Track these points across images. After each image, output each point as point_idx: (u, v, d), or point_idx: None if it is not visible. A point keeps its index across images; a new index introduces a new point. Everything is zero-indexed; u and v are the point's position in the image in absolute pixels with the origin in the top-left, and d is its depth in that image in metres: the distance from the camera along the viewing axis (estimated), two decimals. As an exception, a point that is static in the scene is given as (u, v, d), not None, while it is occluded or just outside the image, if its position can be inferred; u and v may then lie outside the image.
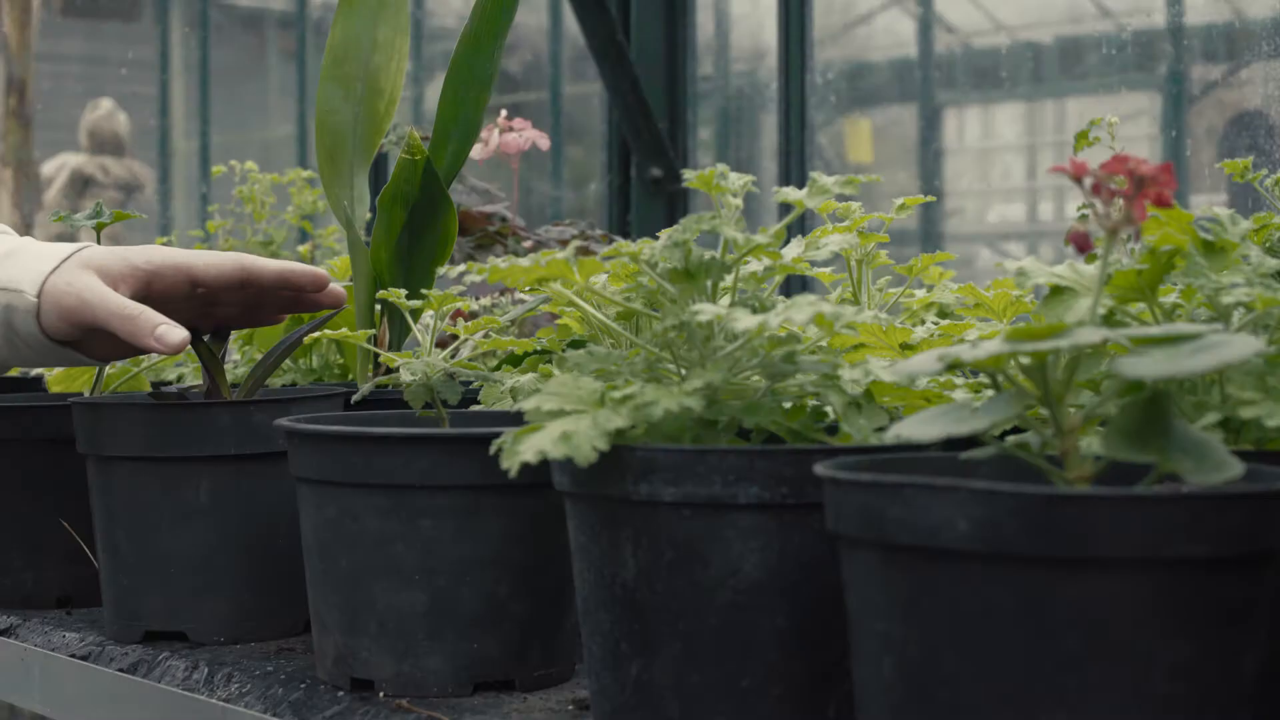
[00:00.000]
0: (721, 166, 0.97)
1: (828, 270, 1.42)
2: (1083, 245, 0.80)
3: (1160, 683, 0.73)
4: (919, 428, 0.77)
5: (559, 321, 1.42)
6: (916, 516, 0.73)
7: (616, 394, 0.90)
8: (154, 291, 1.25)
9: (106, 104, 5.81)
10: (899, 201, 1.37)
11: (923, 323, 1.34)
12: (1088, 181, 0.80)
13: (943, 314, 1.36)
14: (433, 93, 5.43)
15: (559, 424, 0.89)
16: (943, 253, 1.39)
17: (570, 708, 1.05)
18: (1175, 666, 0.73)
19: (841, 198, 1.10)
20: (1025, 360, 0.79)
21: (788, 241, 1.05)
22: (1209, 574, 0.73)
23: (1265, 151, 3.15)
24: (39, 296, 1.23)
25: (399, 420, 1.18)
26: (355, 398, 1.21)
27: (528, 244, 1.76)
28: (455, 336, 1.43)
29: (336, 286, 1.30)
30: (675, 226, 0.95)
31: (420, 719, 1.02)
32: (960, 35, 4.64)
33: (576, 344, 1.32)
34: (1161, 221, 0.97)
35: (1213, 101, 3.96)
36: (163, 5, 5.91)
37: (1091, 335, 0.76)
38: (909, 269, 1.40)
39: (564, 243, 1.78)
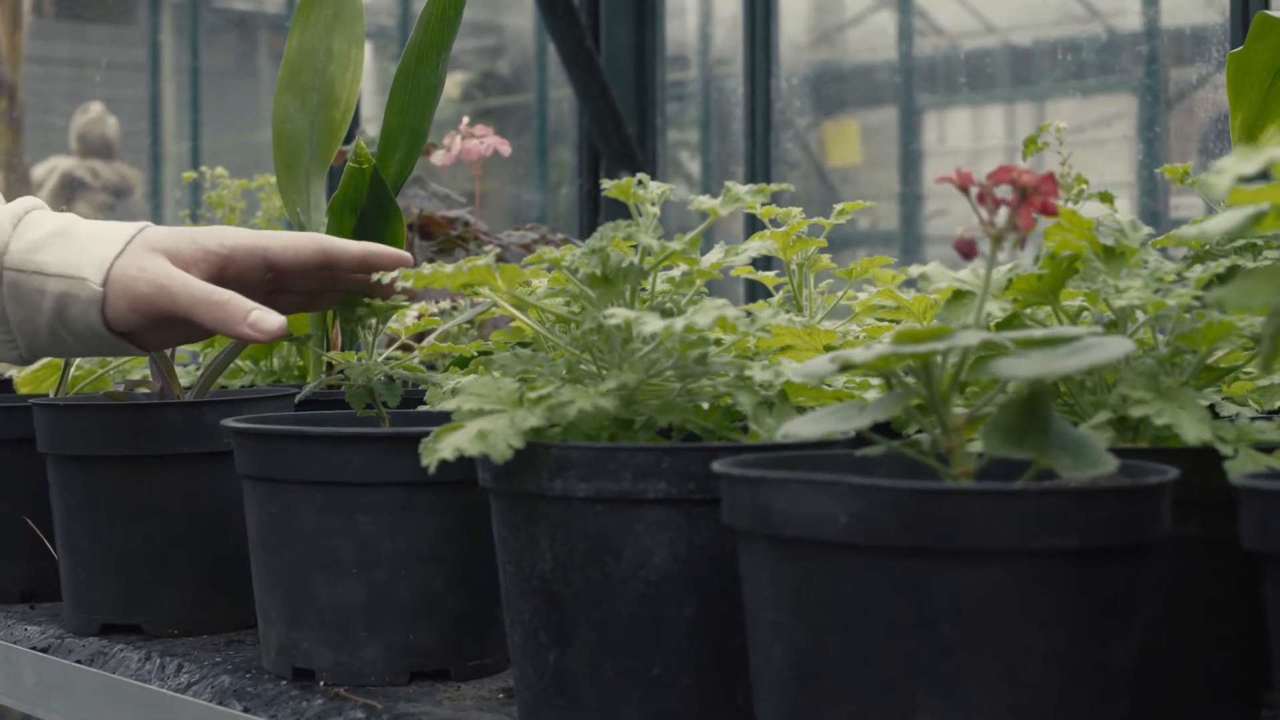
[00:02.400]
0: (642, 176, 1.01)
1: (771, 274, 1.46)
2: (968, 253, 0.84)
3: (1033, 669, 0.77)
4: (806, 426, 0.81)
5: (513, 324, 1.46)
6: (800, 510, 0.77)
7: (533, 394, 0.94)
8: (227, 276, 1.16)
9: (96, 108, 5.86)
10: (838, 206, 1.41)
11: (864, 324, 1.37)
12: (974, 191, 0.84)
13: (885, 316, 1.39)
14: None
15: (477, 423, 0.93)
16: (881, 256, 1.43)
17: (500, 696, 1.09)
18: (1048, 653, 0.77)
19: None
20: (911, 362, 0.82)
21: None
22: (1080, 565, 0.77)
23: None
24: (105, 285, 1.12)
25: (343, 420, 1.22)
26: (299, 398, 1.25)
27: (489, 248, 1.79)
28: (418, 336, 1.48)
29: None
30: (594, 234, 0.98)
31: (355, 706, 1.06)
32: (949, 37, 4.68)
33: (523, 345, 1.36)
34: (1064, 227, 1.01)
35: (1197, 102, 3.99)
36: (154, 8, 5.95)
37: (971, 338, 0.80)
38: (849, 272, 1.44)
39: (525, 246, 1.82)
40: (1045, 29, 4.30)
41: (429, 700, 1.08)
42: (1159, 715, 0.95)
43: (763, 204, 1.08)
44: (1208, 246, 1.23)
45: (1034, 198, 0.84)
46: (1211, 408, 1.13)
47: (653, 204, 1.00)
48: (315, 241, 1.17)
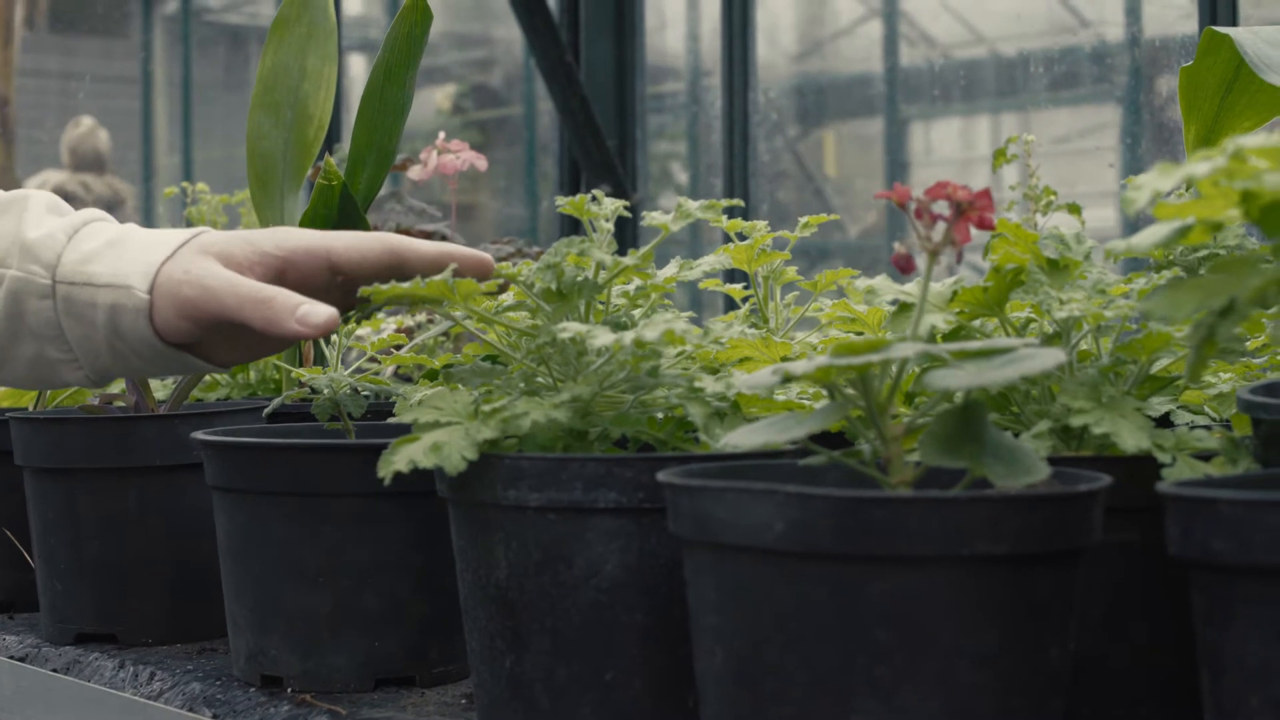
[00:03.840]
0: (596, 192, 1.03)
1: (738, 287, 1.48)
2: (905, 267, 0.87)
3: (966, 672, 0.79)
4: (745, 437, 0.83)
5: (488, 337, 1.48)
6: (739, 519, 0.79)
7: (488, 407, 0.96)
8: (288, 281, 1.07)
9: (87, 121, 5.89)
10: (802, 220, 1.43)
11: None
12: (911, 206, 0.86)
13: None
14: (414, 108, 5.51)
15: (432, 435, 0.95)
16: (845, 269, 1.45)
17: (463, 701, 1.11)
18: (981, 657, 0.79)
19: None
20: (850, 374, 0.85)
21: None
22: (1012, 570, 0.79)
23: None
24: (151, 292, 1.04)
25: (311, 432, 1.24)
26: (267, 411, 1.28)
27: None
28: (395, 348, 1.50)
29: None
30: (549, 250, 1.01)
31: (320, 712, 1.08)
32: (940, 48, 4.71)
33: (490, 359, 1.38)
34: (1009, 240, 1.03)
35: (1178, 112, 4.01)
36: (146, 21, 5.98)
37: (906, 350, 0.82)
38: (814, 284, 1.46)
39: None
40: (1033, 39, 4.33)
41: (393, 706, 1.10)
42: (1105, 717, 0.97)
43: (729, 218, 1.10)
44: (1170, 256, 1.26)
45: (970, 213, 0.87)
46: (1166, 416, 1.15)
47: (606, 220, 1.03)
48: (383, 242, 1.08)
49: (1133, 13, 3.85)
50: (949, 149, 4.99)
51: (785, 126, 4.38)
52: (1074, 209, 1.41)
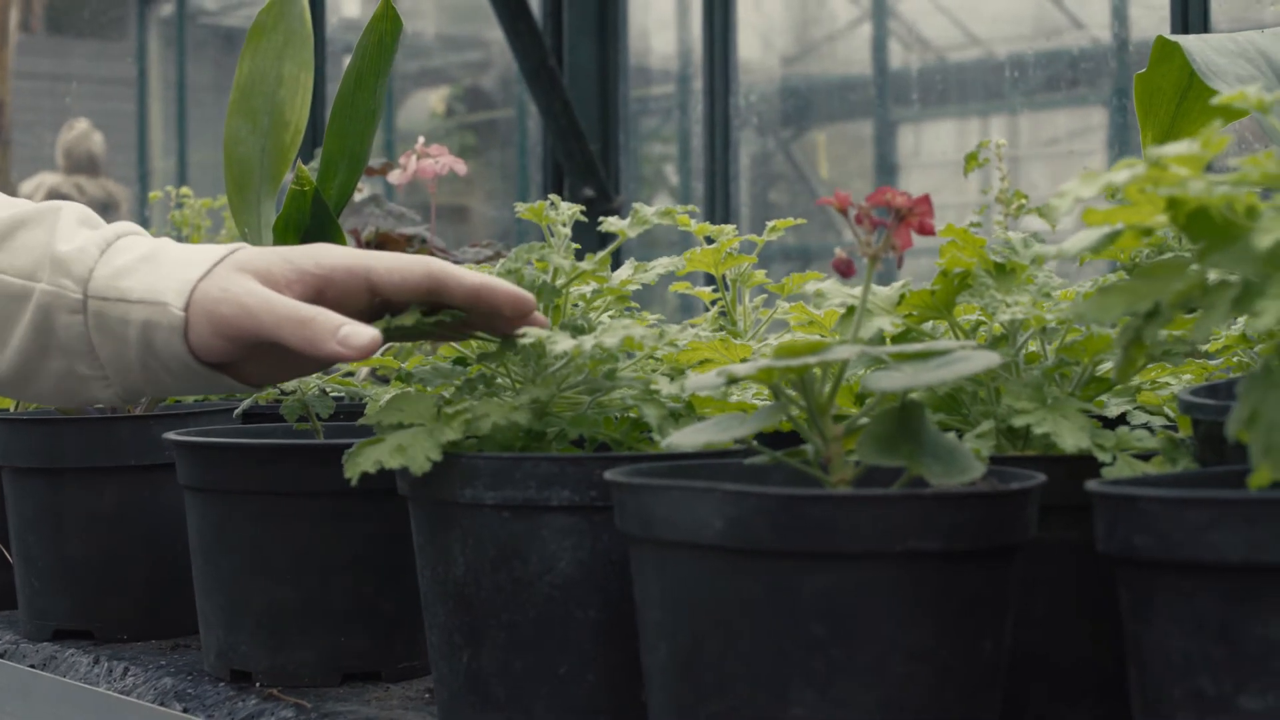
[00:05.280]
0: (553, 197, 1.06)
1: (708, 290, 1.51)
2: (845, 271, 0.89)
3: (901, 664, 0.81)
4: (688, 437, 0.85)
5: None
6: (680, 516, 0.82)
7: (450, 409, 0.99)
8: (326, 301, 1.04)
9: (82, 124, 5.92)
10: (770, 224, 1.46)
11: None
12: (852, 212, 0.89)
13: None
14: (404, 112, 5.54)
15: (397, 436, 0.98)
16: (813, 272, 1.47)
17: (426, 695, 1.14)
18: (914, 650, 0.81)
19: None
20: (791, 375, 0.87)
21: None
22: (944, 566, 0.82)
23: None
24: (186, 310, 1.02)
25: (282, 433, 1.27)
26: (237, 412, 1.30)
27: (444, 263, 1.84)
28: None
29: (540, 317, 1.06)
30: (510, 255, 1.03)
31: (286, 706, 1.11)
32: (935, 50, 4.73)
33: (460, 361, 1.41)
34: (957, 245, 1.06)
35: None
36: (141, 23, 6.01)
37: (844, 352, 0.84)
38: (781, 287, 1.48)
39: (479, 263, 1.86)
40: (1030, 41, 4.36)
41: (358, 700, 1.13)
42: (1047, 710, 1.00)
43: (696, 222, 1.13)
44: (1136, 259, 1.28)
45: (910, 219, 0.89)
46: (1123, 416, 1.17)
47: (564, 225, 1.05)
48: (425, 267, 1.03)
49: (1119, 16, 3.88)
50: (941, 150, 5.01)
51: (779, 127, 4.40)
52: (1045, 212, 1.43)
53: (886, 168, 4.33)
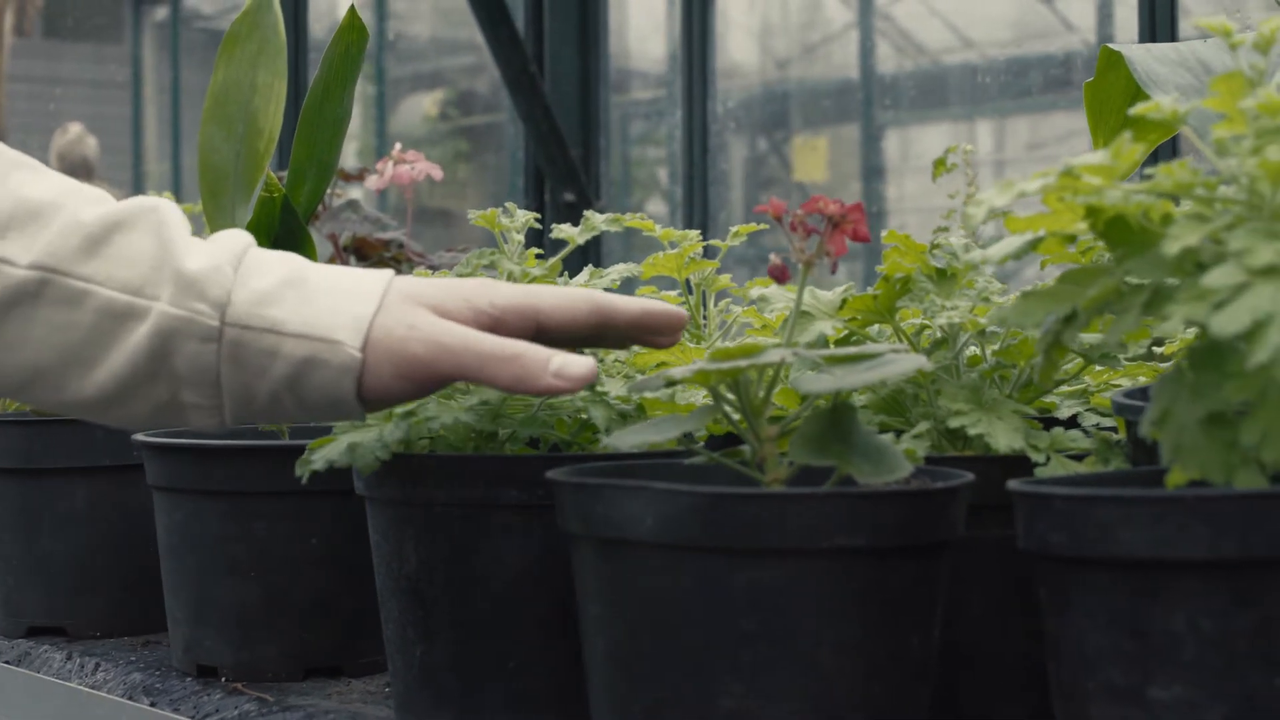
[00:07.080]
0: (509, 204, 1.09)
1: (674, 294, 1.53)
2: (780, 277, 0.92)
3: (828, 658, 0.84)
4: (626, 438, 0.88)
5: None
6: (614, 513, 0.85)
7: (400, 410, 1.02)
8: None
9: (75, 128, 5.96)
10: (733, 229, 1.49)
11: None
12: (787, 220, 0.92)
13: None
14: (397, 115, 5.57)
15: (348, 436, 1.01)
16: (761, 279, 1.50)
17: (386, 689, 1.17)
18: (841, 644, 0.84)
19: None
20: (726, 378, 0.90)
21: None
22: (872, 562, 0.85)
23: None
24: (364, 350, 0.91)
25: (248, 433, 1.30)
26: (205, 413, 1.33)
27: (421, 268, 1.87)
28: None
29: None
30: (461, 260, 1.06)
31: (249, 700, 1.14)
32: (930, 54, 4.76)
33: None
34: (900, 250, 1.08)
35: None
36: (136, 28, 6.04)
37: (776, 356, 0.87)
38: (743, 291, 1.51)
39: (453, 267, 1.89)
40: (1026, 44, 4.38)
41: (319, 694, 1.16)
42: (984, 705, 1.03)
43: (661, 227, 1.15)
44: (1096, 262, 1.31)
45: (844, 225, 0.92)
46: (1074, 418, 1.20)
47: (517, 232, 1.08)
48: (590, 301, 0.98)
49: (1105, 19, 3.91)
50: (931, 153, 5.04)
51: (772, 129, 4.43)
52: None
53: (877, 170, 4.36)
